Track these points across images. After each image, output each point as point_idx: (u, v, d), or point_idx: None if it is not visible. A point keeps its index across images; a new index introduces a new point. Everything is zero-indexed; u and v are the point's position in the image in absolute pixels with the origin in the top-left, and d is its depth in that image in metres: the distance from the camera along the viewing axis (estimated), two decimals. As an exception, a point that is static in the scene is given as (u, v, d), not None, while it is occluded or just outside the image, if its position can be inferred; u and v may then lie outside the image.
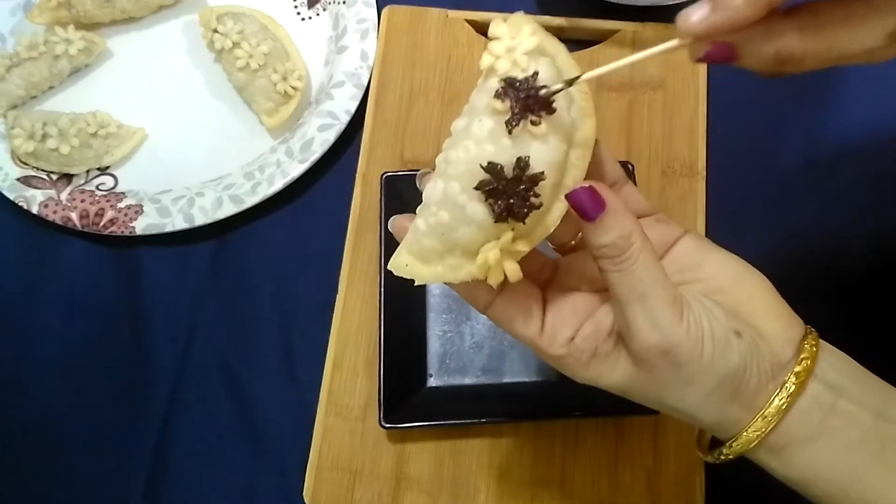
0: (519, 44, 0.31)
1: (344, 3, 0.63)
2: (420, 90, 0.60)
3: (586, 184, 0.32)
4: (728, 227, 0.56)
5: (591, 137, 0.33)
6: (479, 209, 0.31)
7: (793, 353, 0.33)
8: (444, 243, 0.32)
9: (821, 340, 0.34)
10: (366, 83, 0.60)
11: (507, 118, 0.30)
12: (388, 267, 0.34)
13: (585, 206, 0.31)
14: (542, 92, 0.30)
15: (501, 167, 0.30)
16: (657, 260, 0.32)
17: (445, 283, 0.33)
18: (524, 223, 0.31)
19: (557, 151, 0.31)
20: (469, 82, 0.60)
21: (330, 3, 0.64)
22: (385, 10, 0.62)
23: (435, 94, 0.60)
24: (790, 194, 0.58)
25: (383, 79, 0.60)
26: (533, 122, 0.30)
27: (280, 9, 0.65)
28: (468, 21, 0.62)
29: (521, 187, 0.30)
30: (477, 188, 0.30)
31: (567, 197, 0.32)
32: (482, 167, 0.30)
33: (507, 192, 0.30)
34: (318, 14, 0.65)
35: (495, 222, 0.31)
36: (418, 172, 0.36)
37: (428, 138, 0.59)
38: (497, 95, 0.30)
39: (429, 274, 0.33)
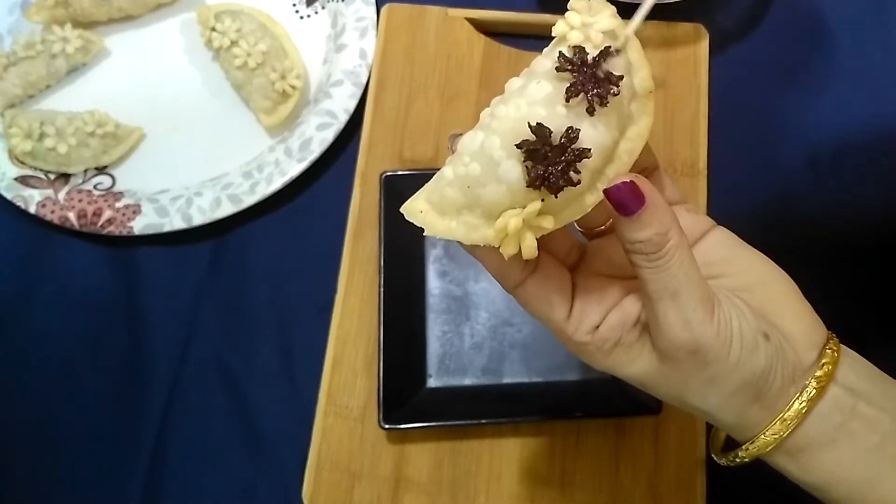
0: (597, 21, 0.30)
1: (343, 0, 0.63)
2: (419, 89, 0.60)
3: (627, 178, 0.30)
4: (729, 226, 0.56)
5: (644, 135, 0.31)
6: (514, 169, 0.29)
7: (815, 358, 0.33)
8: (468, 197, 0.30)
9: (842, 346, 0.34)
10: (365, 82, 0.60)
11: (567, 85, 0.29)
12: (401, 209, 0.32)
13: (625, 202, 0.30)
14: (605, 55, 0.29)
15: (550, 132, 0.28)
16: (692, 256, 0.31)
17: (458, 243, 0.31)
18: (556, 197, 0.29)
19: (608, 137, 0.30)
20: (469, 80, 0.60)
21: (328, 1, 0.64)
22: (384, 8, 0.62)
23: (434, 92, 0.60)
24: (792, 193, 0.58)
25: (382, 77, 0.60)
26: (598, 98, 0.28)
27: (278, 7, 0.64)
28: (468, 19, 0.61)
29: (564, 158, 0.28)
30: (518, 146, 0.29)
31: (606, 192, 0.30)
32: (529, 127, 0.28)
33: (549, 159, 0.28)
34: (316, 12, 0.65)
35: (527, 187, 0.29)
36: (450, 134, 0.33)
37: (427, 137, 0.59)
38: (564, 61, 0.29)
39: (441, 227, 0.31)
